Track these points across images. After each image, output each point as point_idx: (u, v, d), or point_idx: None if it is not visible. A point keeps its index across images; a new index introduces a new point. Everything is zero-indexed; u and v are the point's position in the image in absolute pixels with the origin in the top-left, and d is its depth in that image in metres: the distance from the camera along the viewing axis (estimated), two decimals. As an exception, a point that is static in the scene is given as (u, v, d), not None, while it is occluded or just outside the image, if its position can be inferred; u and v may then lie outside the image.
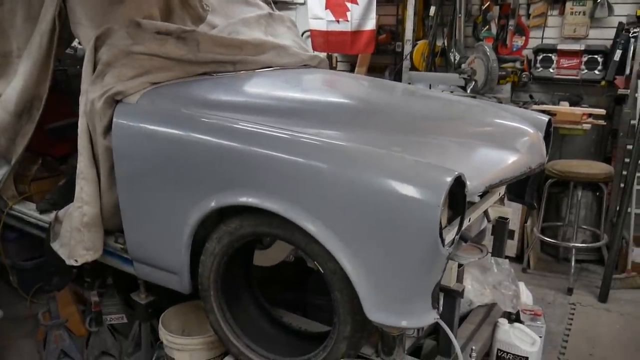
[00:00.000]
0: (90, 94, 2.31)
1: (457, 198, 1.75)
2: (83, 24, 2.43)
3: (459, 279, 2.11)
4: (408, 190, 1.63)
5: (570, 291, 3.65)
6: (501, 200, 2.82)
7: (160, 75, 2.40)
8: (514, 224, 4.08)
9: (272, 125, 2.00)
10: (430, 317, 1.76)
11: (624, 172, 3.65)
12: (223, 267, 2.14)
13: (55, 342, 2.80)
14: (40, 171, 3.25)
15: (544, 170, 2.81)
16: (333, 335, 1.95)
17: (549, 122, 2.76)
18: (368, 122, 2.15)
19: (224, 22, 2.95)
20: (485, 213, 2.61)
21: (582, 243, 4.04)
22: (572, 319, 3.33)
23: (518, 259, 4.11)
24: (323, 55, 3.50)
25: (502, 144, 2.20)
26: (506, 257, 4.04)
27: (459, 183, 1.70)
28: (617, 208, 3.66)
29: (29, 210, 2.93)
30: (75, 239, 2.43)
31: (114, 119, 2.26)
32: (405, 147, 1.99)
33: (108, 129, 2.29)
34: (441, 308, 2.14)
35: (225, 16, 3.03)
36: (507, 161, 2.11)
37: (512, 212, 3.31)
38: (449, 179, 1.62)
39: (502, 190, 2.73)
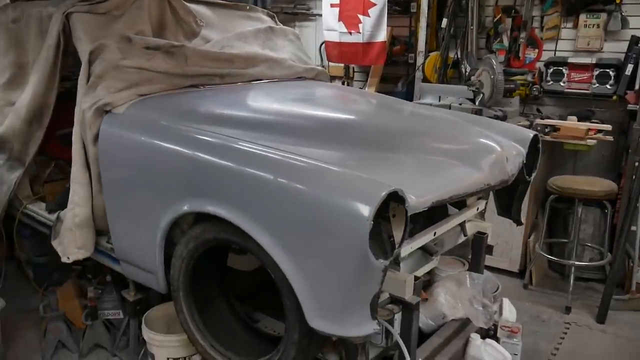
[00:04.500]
0: (83, 105, 2.50)
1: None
2: (81, 39, 2.62)
3: (416, 291, 2.14)
4: (342, 203, 1.71)
5: (568, 310, 3.58)
6: (481, 215, 2.83)
7: (147, 88, 2.57)
8: (517, 240, 4.04)
9: (237, 137, 2.12)
10: (370, 327, 1.81)
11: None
12: (191, 270, 2.26)
13: (54, 333, 3.01)
14: (55, 173, 3.50)
15: (528, 186, 2.79)
16: (284, 340, 2.05)
17: (535, 138, 2.75)
18: (331, 136, 2.23)
19: (219, 36, 3.10)
20: (462, 227, 2.63)
21: (589, 261, 3.95)
22: (563, 339, 3.26)
23: (521, 274, 4.05)
24: (320, 67, 3.58)
25: (463, 160, 2.23)
26: (507, 272, 4.06)
27: (397, 198, 1.75)
28: (621, 226, 3.57)
29: (40, 209, 3.17)
30: (68, 238, 2.63)
31: (101, 128, 2.45)
32: (360, 161, 2.06)
33: (97, 137, 2.47)
34: (398, 319, 2.21)
35: (222, 31, 3.18)
36: (463, 177, 2.14)
37: (513, 228, 3.30)
38: (383, 194, 1.68)
39: (480, 205, 2.75)
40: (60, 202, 3.06)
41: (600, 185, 3.70)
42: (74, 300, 3.22)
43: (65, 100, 2.79)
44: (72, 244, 2.63)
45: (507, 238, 4.01)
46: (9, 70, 3.08)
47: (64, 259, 2.67)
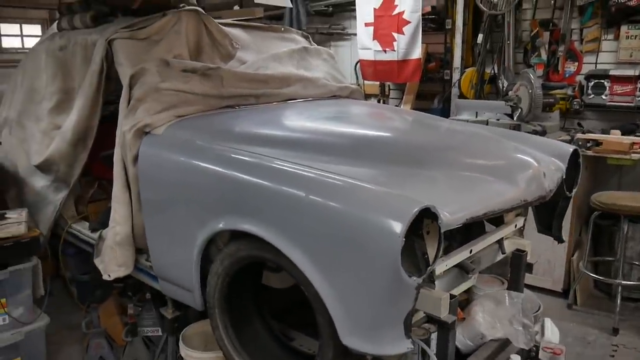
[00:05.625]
0: (124, 127, 2.59)
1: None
2: (123, 64, 2.73)
3: (452, 310, 2.09)
4: (374, 219, 1.70)
5: (615, 331, 3.43)
6: (520, 232, 2.76)
7: (185, 109, 2.64)
8: (560, 258, 3.91)
9: (270, 155, 2.15)
10: (404, 346, 1.79)
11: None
12: (227, 287, 2.29)
13: (95, 349, 3.09)
14: (98, 194, 3.62)
15: (569, 202, 2.71)
16: (318, 358, 2.03)
17: (575, 152, 2.68)
18: (363, 153, 2.23)
19: (255, 57, 3.17)
20: (500, 244, 2.57)
21: (637, 280, 3.79)
22: (610, 361, 3.13)
23: (565, 294, 3.91)
24: (354, 86, 3.60)
25: (498, 175, 2.19)
26: (550, 291, 3.92)
27: (430, 214, 1.74)
28: (670, 244, 3.41)
29: (84, 229, 3.28)
30: (109, 256, 2.71)
31: (141, 149, 2.53)
32: (393, 178, 2.05)
33: (137, 157, 2.55)
34: (434, 339, 2.17)
35: (257, 52, 3.25)
36: (498, 193, 2.10)
37: (555, 245, 3.20)
38: (414, 210, 1.67)
39: (519, 222, 2.68)
40: (102, 221, 3.16)
41: (647, 200, 3.56)
42: (115, 317, 3.30)
43: (109, 123, 2.90)
44: (113, 262, 2.71)
45: (549, 256, 3.90)
46: (56, 96, 3.23)
47: (105, 277, 2.75)
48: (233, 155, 2.18)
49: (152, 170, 2.49)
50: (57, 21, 3.43)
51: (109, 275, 2.72)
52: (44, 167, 3.28)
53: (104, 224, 3.05)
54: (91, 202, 3.52)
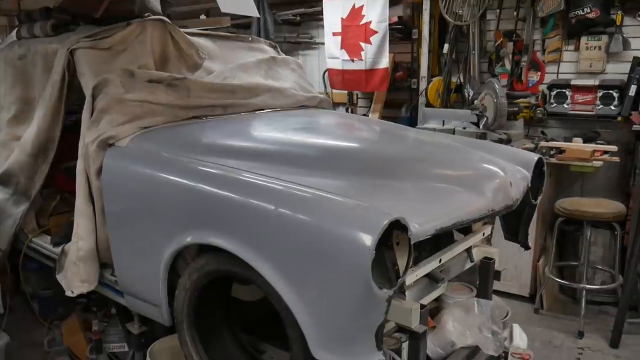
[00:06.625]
0: (86, 138, 2.53)
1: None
2: (85, 74, 2.67)
3: (423, 320, 2.10)
4: (344, 232, 1.69)
5: (580, 334, 3.51)
6: (487, 240, 2.80)
7: (150, 120, 2.59)
8: (526, 263, 3.98)
9: (238, 167, 2.13)
10: (375, 357, 1.77)
11: (641, 211, 3.51)
12: (195, 301, 2.24)
13: (58, 368, 2.98)
14: (61, 206, 3.51)
15: (534, 209, 2.76)
16: (290, 372, 2.01)
17: (540, 161, 2.74)
18: (332, 164, 2.23)
19: (222, 67, 3.14)
20: (469, 253, 2.60)
21: (600, 284, 3.88)
22: (576, 364, 3.20)
23: (531, 299, 3.98)
24: (322, 95, 3.61)
25: (466, 186, 2.21)
26: (517, 296, 3.99)
27: (399, 226, 1.73)
28: (631, 248, 3.51)
29: (45, 243, 3.17)
30: (72, 272, 2.63)
31: (105, 161, 2.46)
32: (362, 189, 2.05)
33: (100, 170, 2.49)
34: (405, 348, 2.17)
35: (225, 62, 3.22)
36: (466, 204, 2.12)
37: (521, 251, 3.24)
38: (384, 222, 1.66)
39: (486, 230, 2.72)
40: (64, 235, 3.06)
41: (608, 206, 3.66)
42: (79, 334, 3.20)
43: (72, 133, 2.82)
44: (76, 278, 2.63)
45: (516, 262, 3.96)
46: (15, 106, 3.13)
47: (68, 293, 2.66)
48: (200, 168, 2.14)
49: (116, 183, 2.43)
50: (16, 29, 3.32)
51: (72, 292, 2.64)
52: (3, 179, 3.17)
53: (67, 238, 2.96)
54: (53, 215, 3.40)
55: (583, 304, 3.57)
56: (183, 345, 2.32)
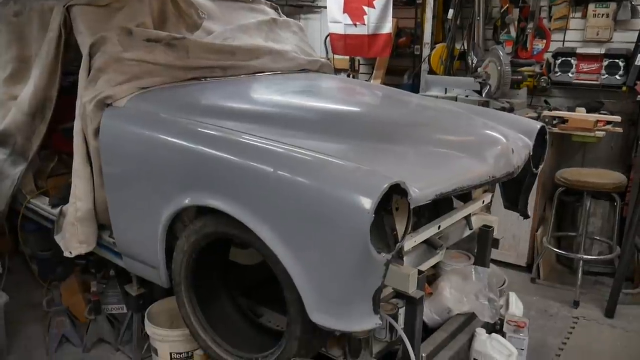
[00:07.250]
0: (84, 98, 2.49)
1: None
2: (82, 31, 2.60)
3: (420, 285, 2.10)
4: (343, 195, 1.68)
5: (576, 304, 3.53)
6: (487, 208, 2.79)
7: (148, 81, 2.54)
8: (524, 233, 3.99)
9: (238, 129, 2.10)
10: (372, 321, 1.78)
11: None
12: (193, 264, 2.25)
13: (57, 327, 3.01)
14: (59, 168, 3.49)
15: (535, 178, 2.74)
16: (286, 334, 2.02)
17: (542, 129, 2.70)
18: (332, 128, 2.19)
19: (222, 28, 3.07)
20: (468, 220, 2.59)
21: (598, 255, 3.90)
22: (571, 333, 3.22)
23: (528, 268, 4.00)
24: (324, 59, 3.54)
25: (468, 151, 2.19)
26: (514, 265, 4.01)
27: (399, 190, 1.72)
28: (630, 219, 3.51)
29: (43, 204, 3.16)
30: (70, 233, 2.63)
31: (102, 121, 2.43)
32: (362, 153, 2.03)
33: (98, 130, 2.45)
34: (402, 314, 2.18)
35: (224, 23, 3.15)
36: (467, 169, 2.09)
37: (520, 220, 3.24)
38: (384, 186, 1.64)
39: (486, 198, 2.70)
40: (62, 197, 3.05)
41: (609, 177, 3.64)
42: (78, 295, 3.23)
43: (70, 94, 2.78)
44: (74, 239, 2.62)
45: (514, 231, 3.96)
46: (11, 65, 3.07)
47: (66, 254, 2.66)
48: (199, 129, 2.11)
49: (114, 144, 2.40)
50: (11, -15, 3.24)
51: (71, 253, 2.64)
52: (0, 140, 3.14)
53: (65, 199, 2.95)
54: (51, 176, 3.38)
55: (580, 274, 3.58)
56: (181, 307, 2.34)
